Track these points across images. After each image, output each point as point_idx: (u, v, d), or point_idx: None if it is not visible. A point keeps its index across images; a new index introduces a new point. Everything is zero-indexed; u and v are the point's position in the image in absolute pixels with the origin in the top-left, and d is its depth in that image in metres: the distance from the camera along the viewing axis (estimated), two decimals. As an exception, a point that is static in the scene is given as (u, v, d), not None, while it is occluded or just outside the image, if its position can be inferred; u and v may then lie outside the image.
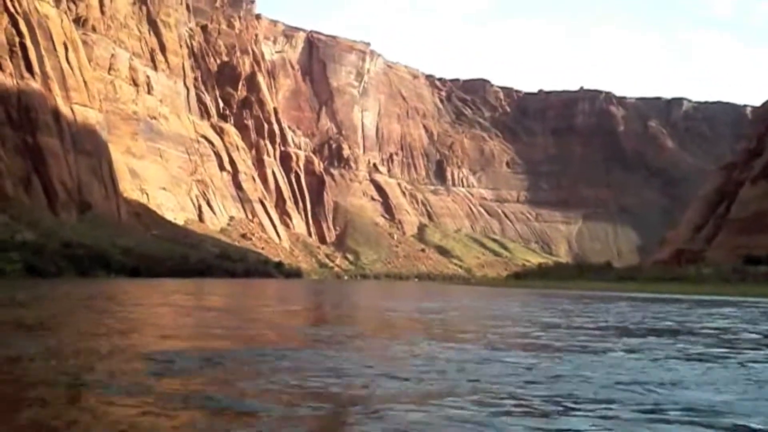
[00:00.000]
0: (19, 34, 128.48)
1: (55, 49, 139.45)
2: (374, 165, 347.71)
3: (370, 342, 14.49)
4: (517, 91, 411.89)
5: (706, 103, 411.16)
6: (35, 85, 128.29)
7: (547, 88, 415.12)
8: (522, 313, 26.53)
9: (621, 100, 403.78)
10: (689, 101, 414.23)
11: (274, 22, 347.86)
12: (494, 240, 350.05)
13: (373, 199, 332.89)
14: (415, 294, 58.09)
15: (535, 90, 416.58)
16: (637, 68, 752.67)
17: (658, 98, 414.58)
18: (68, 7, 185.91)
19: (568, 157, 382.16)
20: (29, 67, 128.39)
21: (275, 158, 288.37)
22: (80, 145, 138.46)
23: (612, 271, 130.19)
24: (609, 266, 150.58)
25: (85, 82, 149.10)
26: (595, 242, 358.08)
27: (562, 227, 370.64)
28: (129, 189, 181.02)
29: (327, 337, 14.76)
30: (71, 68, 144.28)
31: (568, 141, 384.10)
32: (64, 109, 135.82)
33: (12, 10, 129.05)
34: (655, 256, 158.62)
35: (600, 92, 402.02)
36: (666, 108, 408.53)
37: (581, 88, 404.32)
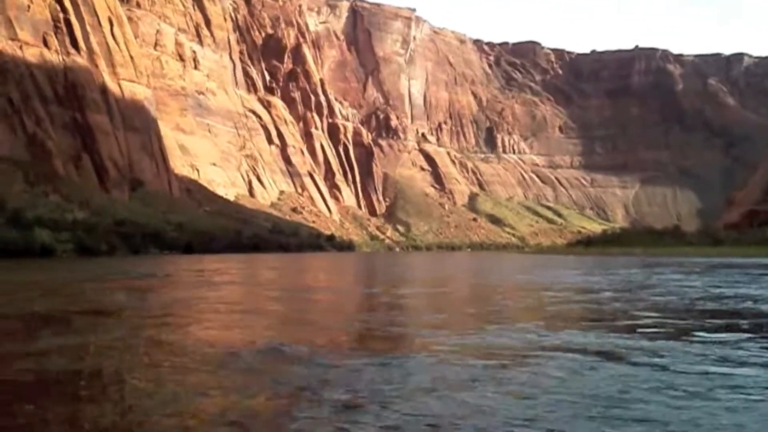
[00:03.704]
0: (64, 10, 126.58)
1: (100, 24, 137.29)
2: (423, 134, 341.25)
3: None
4: (569, 53, 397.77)
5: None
6: (81, 61, 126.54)
7: (600, 48, 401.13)
8: (719, 289, 20.42)
9: (678, 58, 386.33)
10: (750, 56, 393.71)
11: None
12: (548, 207, 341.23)
13: (422, 169, 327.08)
14: (508, 264, 52.93)
15: (587, 50, 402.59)
16: (694, 24, 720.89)
17: (718, 54, 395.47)
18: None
19: (625, 119, 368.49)
20: (75, 44, 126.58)
21: (323, 130, 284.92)
22: (129, 121, 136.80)
23: (686, 235, 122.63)
24: (678, 230, 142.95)
25: (131, 58, 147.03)
26: (653, 206, 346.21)
27: (618, 192, 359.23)
28: (179, 165, 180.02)
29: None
30: (117, 44, 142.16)
31: (624, 102, 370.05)
32: (112, 85, 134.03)
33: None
34: (724, 218, 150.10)
35: (656, 50, 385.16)
36: (726, 64, 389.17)
37: (636, 46, 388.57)
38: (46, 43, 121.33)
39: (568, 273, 34.33)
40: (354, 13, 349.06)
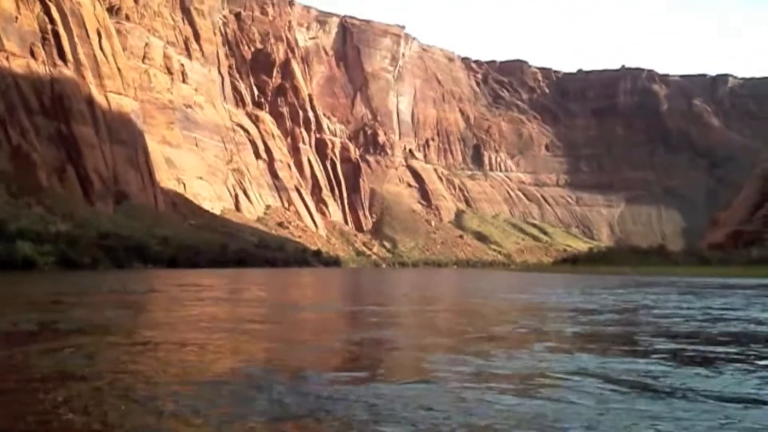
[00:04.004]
0: (52, 21, 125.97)
1: (88, 36, 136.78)
2: (410, 151, 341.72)
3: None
4: (555, 72, 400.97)
5: (753, 79, 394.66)
6: (68, 72, 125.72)
7: (586, 68, 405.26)
8: (721, 311, 19.79)
9: (664, 78, 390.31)
10: (735, 77, 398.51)
11: (308, 8, 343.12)
12: (533, 225, 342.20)
13: (409, 185, 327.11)
14: (498, 282, 51.89)
15: (574, 70, 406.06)
16: (679, 44, 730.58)
17: (703, 75, 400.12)
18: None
19: (610, 138, 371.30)
20: (62, 55, 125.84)
21: (311, 146, 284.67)
22: (115, 134, 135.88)
23: (672, 255, 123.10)
24: (664, 249, 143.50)
25: (119, 70, 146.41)
26: (638, 225, 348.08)
27: (603, 211, 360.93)
28: (165, 179, 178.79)
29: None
30: (105, 56, 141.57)
31: (610, 122, 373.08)
32: (99, 97, 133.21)
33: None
34: (709, 239, 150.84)
35: (642, 70, 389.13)
36: (711, 85, 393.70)
37: (622, 66, 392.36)
38: (33, 54, 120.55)
39: (561, 292, 33.90)
40: (344, 29, 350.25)
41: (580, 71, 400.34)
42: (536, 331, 14.62)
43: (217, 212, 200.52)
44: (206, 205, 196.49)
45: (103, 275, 56.37)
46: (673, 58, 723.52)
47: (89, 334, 13.47)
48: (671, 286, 39.58)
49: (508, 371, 9.04)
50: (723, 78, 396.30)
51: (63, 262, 70.04)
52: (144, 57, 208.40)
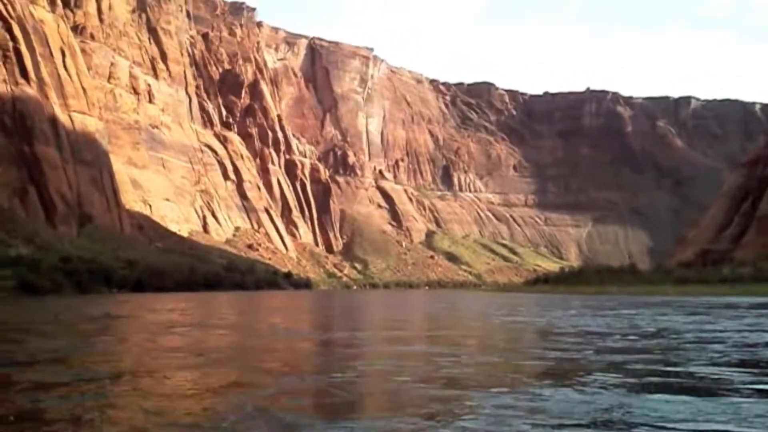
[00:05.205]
0: (13, 38, 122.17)
1: (51, 54, 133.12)
2: (380, 172, 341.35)
3: None
4: (522, 94, 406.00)
5: (714, 101, 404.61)
6: (31, 91, 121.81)
7: (552, 90, 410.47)
8: (761, 334, 18.02)
9: (628, 100, 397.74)
10: (697, 99, 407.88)
11: (276, 30, 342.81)
12: (503, 245, 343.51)
13: (379, 206, 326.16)
14: (480, 303, 50.37)
15: (540, 92, 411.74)
16: (642, 67, 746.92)
17: (666, 97, 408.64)
18: (65, 15, 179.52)
19: (576, 159, 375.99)
20: (24, 73, 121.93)
21: (280, 166, 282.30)
22: (79, 154, 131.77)
23: (643, 273, 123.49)
24: (634, 268, 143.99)
25: (83, 89, 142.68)
26: (605, 245, 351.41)
27: (571, 231, 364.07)
28: (131, 200, 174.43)
29: None
30: (69, 75, 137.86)
31: (576, 143, 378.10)
32: (62, 116, 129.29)
33: (5, 14, 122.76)
34: (677, 257, 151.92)
35: (606, 93, 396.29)
36: (674, 107, 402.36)
37: (587, 89, 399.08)
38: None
39: (566, 314, 31.96)
40: (312, 50, 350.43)
41: (546, 93, 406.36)
42: (570, 361, 12.82)
43: (185, 234, 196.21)
44: (173, 227, 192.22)
45: (68, 301, 53.54)
46: (637, 80, 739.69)
47: (52, 362, 11.46)
48: (671, 306, 38.05)
49: (572, 418, 7.23)
50: (686, 100, 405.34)
51: (23, 287, 66.85)
52: (109, 76, 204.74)
